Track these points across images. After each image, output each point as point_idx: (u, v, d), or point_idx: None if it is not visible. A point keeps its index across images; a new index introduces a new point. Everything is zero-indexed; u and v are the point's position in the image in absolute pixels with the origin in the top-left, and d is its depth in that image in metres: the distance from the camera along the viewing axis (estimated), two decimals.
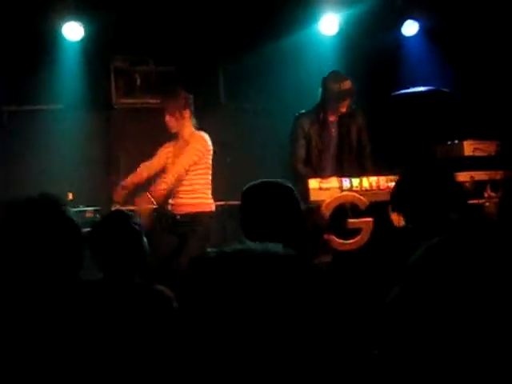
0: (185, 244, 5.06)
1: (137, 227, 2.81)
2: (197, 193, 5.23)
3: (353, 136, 5.33)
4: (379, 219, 4.69)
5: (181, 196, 5.23)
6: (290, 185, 2.64)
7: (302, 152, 5.28)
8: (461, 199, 2.83)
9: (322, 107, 5.27)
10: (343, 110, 5.23)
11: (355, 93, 5.21)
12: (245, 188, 2.63)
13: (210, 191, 5.32)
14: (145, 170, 5.31)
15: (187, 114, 5.22)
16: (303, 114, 5.36)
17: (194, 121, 5.31)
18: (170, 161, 5.28)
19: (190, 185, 5.21)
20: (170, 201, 5.25)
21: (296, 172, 5.27)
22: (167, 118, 5.20)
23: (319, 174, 5.14)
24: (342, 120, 5.31)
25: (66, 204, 2.02)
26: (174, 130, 5.26)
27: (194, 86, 6.07)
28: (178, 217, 5.21)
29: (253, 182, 2.63)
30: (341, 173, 5.12)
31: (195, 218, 5.16)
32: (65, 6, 5.94)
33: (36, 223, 1.88)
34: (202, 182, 5.25)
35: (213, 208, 5.31)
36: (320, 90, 5.28)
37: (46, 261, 1.87)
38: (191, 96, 5.34)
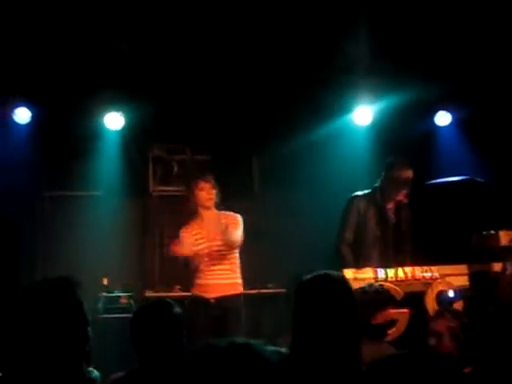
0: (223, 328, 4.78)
1: (179, 316, 2.80)
2: (234, 273, 5.05)
3: (403, 228, 5.23)
4: (415, 310, 4.60)
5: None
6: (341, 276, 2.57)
7: (349, 235, 5.11)
8: None
9: (381, 192, 5.17)
10: (399, 198, 5.12)
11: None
12: (298, 283, 2.51)
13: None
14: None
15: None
16: (359, 195, 5.20)
17: None
18: (202, 241, 4.98)
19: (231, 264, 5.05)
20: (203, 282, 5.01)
21: (339, 254, 5.07)
22: (212, 185, 5.06)
23: (362, 261, 4.96)
24: (399, 209, 5.21)
25: (79, 287, 2.12)
26: (212, 203, 5.09)
27: (228, 173, 6.18)
28: (212, 300, 4.93)
29: (305, 277, 2.49)
30: (384, 262, 4.94)
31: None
32: (107, 97, 6.17)
33: (43, 305, 2.02)
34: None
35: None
36: (382, 174, 5.19)
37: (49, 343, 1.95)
38: None
